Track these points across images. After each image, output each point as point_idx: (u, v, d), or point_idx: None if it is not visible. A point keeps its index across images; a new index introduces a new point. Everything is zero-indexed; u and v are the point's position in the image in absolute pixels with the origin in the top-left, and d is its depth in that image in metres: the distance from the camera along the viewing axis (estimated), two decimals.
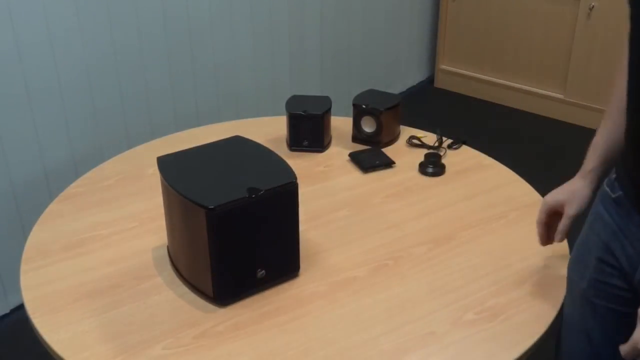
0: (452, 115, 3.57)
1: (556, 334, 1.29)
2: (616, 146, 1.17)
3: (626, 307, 1.11)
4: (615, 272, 1.13)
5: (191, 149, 1.35)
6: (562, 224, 1.25)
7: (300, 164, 1.71)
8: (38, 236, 1.44)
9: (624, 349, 0.98)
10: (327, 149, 1.80)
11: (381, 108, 1.76)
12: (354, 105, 1.79)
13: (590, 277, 1.18)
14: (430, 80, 3.96)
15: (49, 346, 1.17)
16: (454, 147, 1.80)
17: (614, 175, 1.14)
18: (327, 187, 1.63)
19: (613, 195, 1.13)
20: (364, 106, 1.77)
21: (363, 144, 1.79)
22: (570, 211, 1.24)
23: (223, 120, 2.55)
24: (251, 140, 1.38)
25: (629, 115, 1.07)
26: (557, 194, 1.27)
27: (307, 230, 1.45)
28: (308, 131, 1.76)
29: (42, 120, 2.12)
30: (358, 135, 1.81)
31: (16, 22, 1.97)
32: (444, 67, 3.86)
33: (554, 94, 3.54)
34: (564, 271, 1.34)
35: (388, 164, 1.71)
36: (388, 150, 1.77)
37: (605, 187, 1.15)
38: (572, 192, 1.25)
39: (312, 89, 3.14)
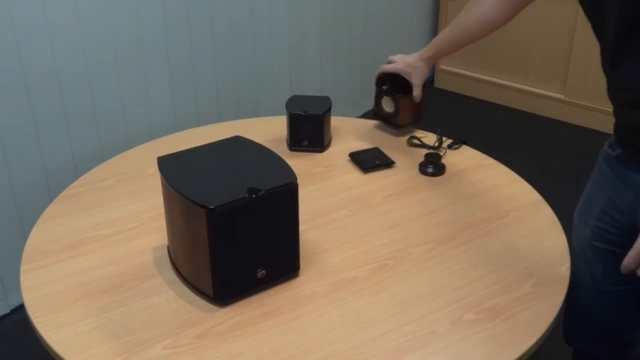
0: (452, 115, 3.57)
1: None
2: (450, 46, 1.69)
3: (622, 249, 1.19)
4: (615, 223, 1.27)
5: (191, 149, 1.35)
6: (417, 91, 1.77)
7: (300, 164, 1.71)
8: (38, 236, 1.44)
9: (625, 261, 1.10)
10: (327, 149, 1.80)
11: (399, 94, 1.81)
12: (376, 84, 1.86)
13: (593, 225, 1.32)
14: (430, 80, 3.96)
15: (49, 346, 1.17)
16: (454, 147, 1.80)
17: (613, 138, 1.27)
18: (327, 187, 1.63)
19: (613, 154, 1.26)
20: (384, 87, 1.84)
21: (382, 121, 1.88)
22: (417, 81, 1.76)
23: (223, 120, 2.55)
24: (251, 140, 1.38)
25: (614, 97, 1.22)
26: (402, 66, 1.76)
27: (307, 230, 1.45)
28: (308, 131, 1.76)
29: (42, 120, 2.12)
30: (379, 113, 1.88)
31: (16, 22, 1.97)
32: (444, 67, 3.86)
33: (554, 94, 3.54)
34: (564, 271, 1.34)
35: (388, 164, 1.71)
36: (388, 150, 1.77)
37: (607, 148, 1.29)
38: (415, 68, 1.74)
39: (312, 89, 3.14)
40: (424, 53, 1.73)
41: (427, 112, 1.90)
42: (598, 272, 1.34)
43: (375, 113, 1.89)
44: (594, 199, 1.33)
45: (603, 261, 1.32)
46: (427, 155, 1.70)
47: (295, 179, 1.24)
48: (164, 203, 1.31)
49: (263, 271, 1.26)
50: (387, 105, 1.84)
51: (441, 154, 1.73)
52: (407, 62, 1.75)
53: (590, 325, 1.42)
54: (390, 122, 1.86)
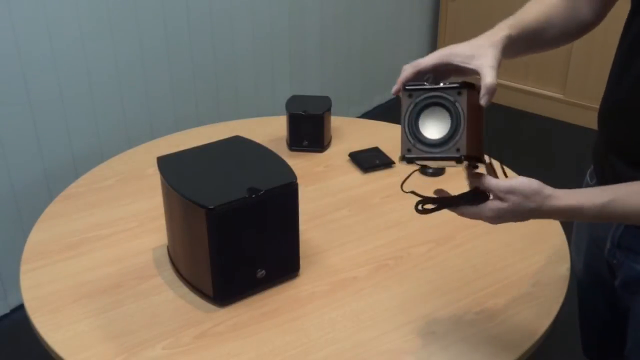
0: None
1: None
2: (531, 29, 1.10)
3: (612, 281, 1.19)
4: (600, 256, 1.21)
5: (191, 149, 1.35)
6: (490, 76, 0.97)
7: (300, 164, 1.71)
8: (38, 236, 1.44)
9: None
10: (327, 149, 1.80)
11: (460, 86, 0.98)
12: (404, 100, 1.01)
13: (584, 261, 1.28)
14: None
15: (49, 346, 1.17)
16: None
17: (592, 167, 1.22)
18: (327, 187, 1.63)
19: (591, 183, 1.22)
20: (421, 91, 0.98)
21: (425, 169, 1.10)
22: (488, 61, 0.99)
23: (223, 120, 2.55)
24: (251, 140, 1.38)
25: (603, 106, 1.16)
26: (451, 51, 1.02)
27: (307, 230, 1.45)
28: (308, 131, 1.76)
29: (42, 120, 2.12)
30: (413, 153, 1.05)
31: (16, 23, 1.97)
32: None
33: (554, 94, 3.54)
34: (564, 271, 1.34)
35: (388, 164, 1.71)
36: (388, 150, 1.76)
37: (587, 177, 1.24)
38: (478, 48, 1.02)
39: (312, 89, 3.14)
40: (495, 32, 1.06)
41: None
42: (599, 303, 1.32)
43: (405, 156, 1.06)
44: (581, 232, 1.31)
45: (600, 292, 1.29)
46: None
47: (295, 179, 1.24)
48: (164, 203, 1.31)
49: (263, 271, 1.26)
50: (433, 127, 0.99)
51: None
52: (458, 47, 1.03)
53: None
54: (443, 157, 1.00)
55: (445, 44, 4.36)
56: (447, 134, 0.96)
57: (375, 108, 3.57)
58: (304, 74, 3.09)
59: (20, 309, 2.17)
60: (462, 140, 0.95)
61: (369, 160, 1.72)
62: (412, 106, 0.98)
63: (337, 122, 1.89)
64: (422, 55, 1.04)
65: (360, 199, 1.59)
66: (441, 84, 0.96)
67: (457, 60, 1.01)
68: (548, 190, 0.97)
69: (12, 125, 2.05)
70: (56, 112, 2.15)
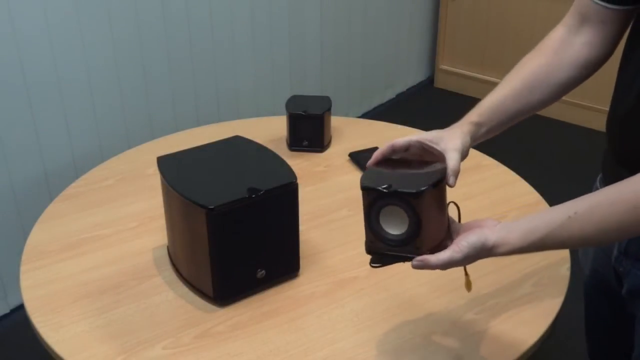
0: (452, 115, 3.57)
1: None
2: (501, 113, 1.22)
3: (620, 289, 1.18)
4: (607, 262, 1.20)
5: (191, 149, 1.35)
6: (454, 161, 1.07)
7: (300, 164, 1.71)
8: (38, 236, 1.44)
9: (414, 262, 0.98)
10: (327, 149, 1.80)
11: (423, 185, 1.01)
12: (364, 187, 1.08)
13: (590, 267, 1.27)
14: (430, 80, 3.96)
15: (49, 346, 1.17)
16: None
17: (601, 174, 1.20)
18: (327, 187, 1.63)
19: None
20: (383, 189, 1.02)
21: (384, 262, 1.02)
22: (453, 145, 1.10)
23: (223, 120, 2.55)
24: (251, 140, 1.38)
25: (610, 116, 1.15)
26: (421, 135, 1.10)
27: (307, 230, 1.45)
28: (308, 131, 1.76)
29: (42, 120, 2.12)
30: (375, 242, 1.01)
31: (16, 22, 1.97)
32: (444, 67, 3.86)
33: None
34: (564, 271, 1.34)
35: None
36: None
37: (597, 184, 1.22)
38: (448, 132, 1.15)
39: (312, 89, 3.14)
40: (464, 119, 1.21)
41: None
42: (603, 308, 1.32)
43: (369, 247, 1.01)
44: None
45: (605, 297, 1.28)
46: None
47: (295, 179, 1.24)
48: (164, 203, 1.31)
49: (263, 271, 1.26)
50: (393, 223, 0.99)
51: None
52: (430, 132, 1.14)
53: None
54: (402, 255, 0.99)
55: (445, 44, 4.37)
56: (406, 232, 0.98)
57: (375, 108, 3.57)
58: (304, 74, 3.09)
59: (20, 309, 2.17)
60: (421, 239, 0.97)
61: (369, 160, 1.71)
62: (371, 206, 1.02)
63: (337, 122, 1.89)
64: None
65: (360, 199, 1.58)
66: (396, 189, 0.98)
67: (427, 140, 1.10)
68: (490, 240, 0.97)
69: (12, 125, 2.05)
70: (56, 112, 2.15)
